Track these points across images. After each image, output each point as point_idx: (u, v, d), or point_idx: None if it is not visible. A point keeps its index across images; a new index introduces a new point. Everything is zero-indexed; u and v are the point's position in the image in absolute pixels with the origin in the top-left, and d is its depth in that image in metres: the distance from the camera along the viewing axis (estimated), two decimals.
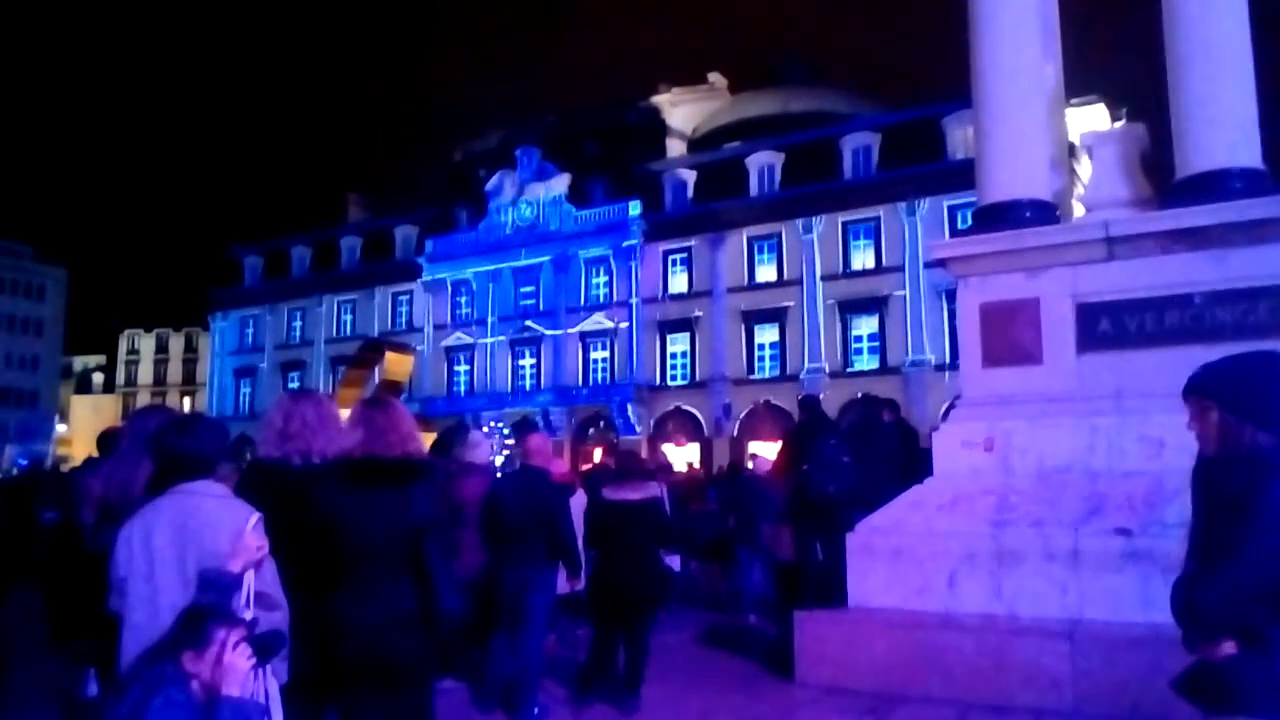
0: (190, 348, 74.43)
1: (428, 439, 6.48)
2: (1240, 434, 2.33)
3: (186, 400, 68.38)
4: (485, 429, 35.37)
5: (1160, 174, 7.21)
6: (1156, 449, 5.89)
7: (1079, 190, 7.73)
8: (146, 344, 76.46)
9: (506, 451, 31.04)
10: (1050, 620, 5.62)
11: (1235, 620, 2.21)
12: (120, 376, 76.08)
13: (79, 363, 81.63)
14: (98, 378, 79.87)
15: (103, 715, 2.41)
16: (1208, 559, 2.29)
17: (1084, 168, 8.60)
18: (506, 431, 34.80)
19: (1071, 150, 9.56)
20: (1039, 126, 7.24)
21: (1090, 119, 27.11)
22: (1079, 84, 18.99)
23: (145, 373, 75.73)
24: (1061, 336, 6.70)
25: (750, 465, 12.47)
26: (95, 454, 5.39)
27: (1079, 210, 7.53)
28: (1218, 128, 6.44)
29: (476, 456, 6.61)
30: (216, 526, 2.71)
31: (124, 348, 76.67)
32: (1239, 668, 2.20)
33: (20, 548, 6.35)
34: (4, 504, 7.64)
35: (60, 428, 71.02)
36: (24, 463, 49.29)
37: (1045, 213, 7.05)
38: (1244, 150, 6.44)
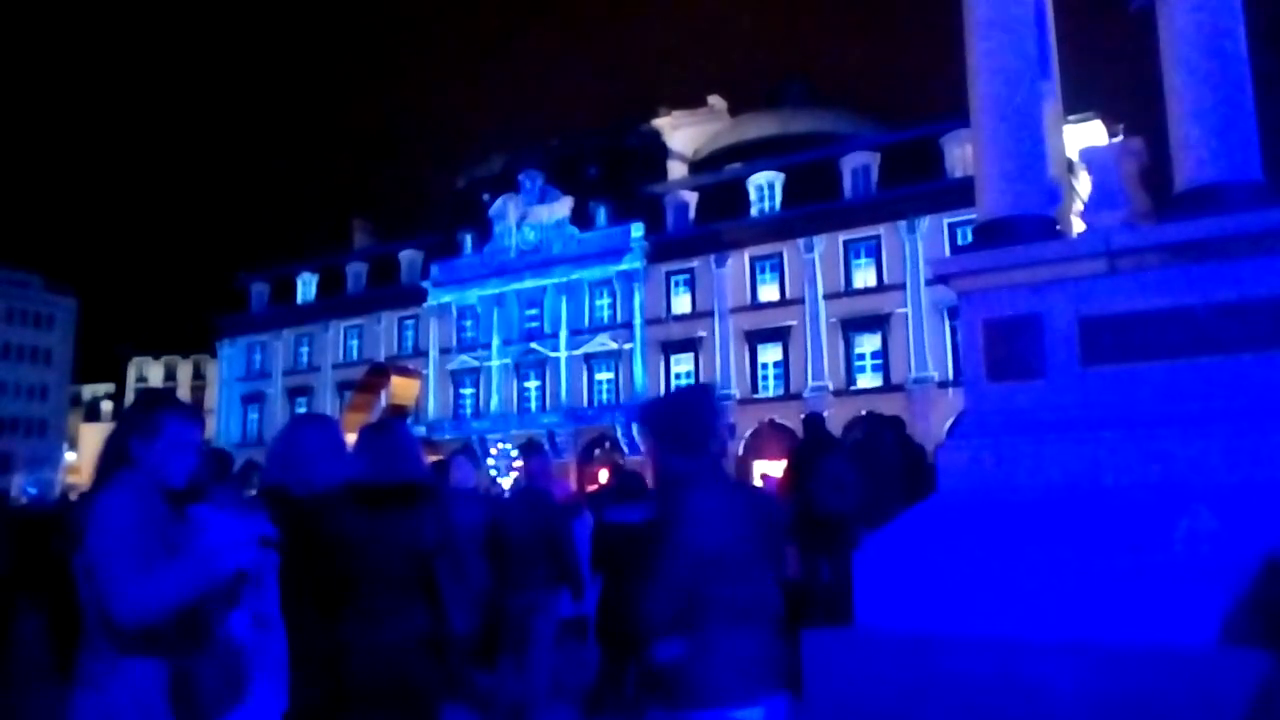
0: (198, 375, 74.71)
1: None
2: (660, 459, 2.67)
3: None
4: (494, 450, 35.46)
5: (1160, 188, 7.23)
6: (1164, 462, 5.87)
7: (1078, 206, 7.76)
8: (155, 371, 76.73)
9: (514, 473, 31.07)
10: (1061, 638, 5.58)
11: (670, 623, 2.47)
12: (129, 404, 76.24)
13: (88, 391, 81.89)
14: (106, 406, 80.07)
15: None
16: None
17: (1082, 184, 8.63)
18: (514, 453, 34.94)
19: (1070, 167, 9.60)
20: (1037, 142, 7.28)
21: (1088, 135, 27.21)
22: (1076, 100, 19.08)
23: None
24: (1065, 351, 6.68)
25: (760, 484, 12.48)
26: None
27: (1079, 226, 7.54)
28: (1216, 140, 6.46)
29: (459, 481, 6.74)
30: None
31: (132, 375, 76.95)
32: (672, 668, 2.46)
33: (32, 581, 6.35)
34: (19, 537, 7.57)
35: (69, 456, 71.23)
36: (33, 491, 49.39)
37: (1045, 228, 7.07)
38: (1243, 163, 6.45)
